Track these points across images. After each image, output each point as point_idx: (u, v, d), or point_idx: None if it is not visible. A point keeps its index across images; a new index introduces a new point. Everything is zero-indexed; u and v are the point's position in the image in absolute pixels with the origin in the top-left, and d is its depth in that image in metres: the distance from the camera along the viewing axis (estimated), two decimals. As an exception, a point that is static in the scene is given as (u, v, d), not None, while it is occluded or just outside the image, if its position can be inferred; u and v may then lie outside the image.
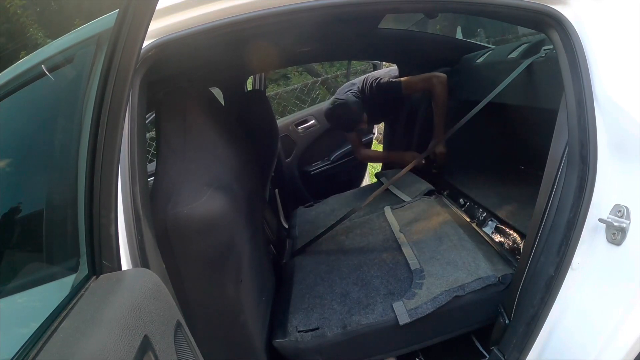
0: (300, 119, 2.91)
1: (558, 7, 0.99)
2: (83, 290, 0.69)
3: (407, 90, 2.19)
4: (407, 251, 1.54)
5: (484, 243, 1.52)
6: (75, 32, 1.03)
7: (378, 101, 2.26)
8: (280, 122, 2.84)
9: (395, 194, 2.12)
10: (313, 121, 2.89)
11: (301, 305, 1.43)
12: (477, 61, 1.99)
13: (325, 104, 3.01)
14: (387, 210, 1.95)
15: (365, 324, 1.27)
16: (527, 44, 1.60)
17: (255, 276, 1.37)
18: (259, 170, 1.68)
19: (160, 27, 0.97)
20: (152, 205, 1.03)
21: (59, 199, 0.95)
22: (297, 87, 6.25)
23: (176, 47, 1.00)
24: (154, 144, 2.34)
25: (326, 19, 1.15)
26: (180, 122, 1.18)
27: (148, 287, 0.71)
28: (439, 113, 2.14)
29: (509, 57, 1.67)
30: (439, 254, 1.46)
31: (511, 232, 1.56)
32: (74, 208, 0.79)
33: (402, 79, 2.22)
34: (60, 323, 0.61)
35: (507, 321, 1.15)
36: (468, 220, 1.75)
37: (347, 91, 2.28)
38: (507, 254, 1.43)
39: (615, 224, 0.89)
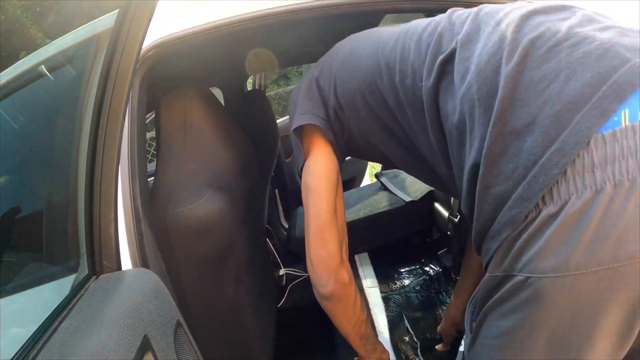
0: (300, 119, 2.90)
1: (558, 7, 0.99)
2: (83, 290, 0.69)
3: None
4: (407, 251, 1.55)
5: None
6: (75, 32, 1.03)
7: None
8: (280, 122, 2.83)
9: (395, 194, 2.12)
10: (313, 121, 2.88)
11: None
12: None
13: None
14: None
15: None
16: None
17: (255, 276, 1.36)
18: (259, 170, 1.67)
19: (160, 27, 0.97)
20: (152, 205, 1.03)
21: (59, 199, 0.95)
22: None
23: (176, 47, 1.00)
24: (154, 144, 2.33)
25: (326, 19, 1.15)
26: (180, 122, 1.18)
27: (148, 287, 0.71)
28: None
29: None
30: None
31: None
32: (74, 208, 0.79)
33: None
34: (60, 323, 0.61)
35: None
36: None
37: None
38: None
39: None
